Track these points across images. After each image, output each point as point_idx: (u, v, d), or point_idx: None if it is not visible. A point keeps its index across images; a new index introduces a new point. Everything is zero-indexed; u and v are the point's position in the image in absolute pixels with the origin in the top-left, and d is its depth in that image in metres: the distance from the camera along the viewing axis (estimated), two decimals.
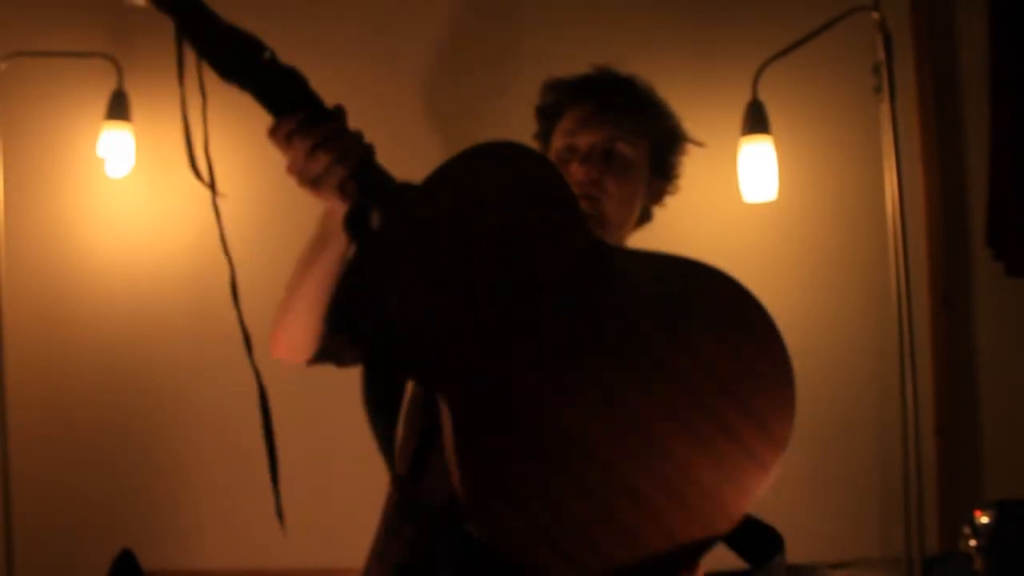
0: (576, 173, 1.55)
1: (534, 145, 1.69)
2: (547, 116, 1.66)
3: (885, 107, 2.27)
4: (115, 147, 2.50)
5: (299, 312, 1.41)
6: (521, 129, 1.68)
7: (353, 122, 1.25)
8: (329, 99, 1.25)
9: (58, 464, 2.60)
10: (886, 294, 2.33)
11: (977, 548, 1.96)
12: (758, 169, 2.43)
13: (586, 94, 1.61)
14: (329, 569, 2.52)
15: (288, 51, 1.23)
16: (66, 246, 2.64)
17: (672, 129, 1.67)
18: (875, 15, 2.27)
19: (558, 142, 1.62)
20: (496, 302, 1.22)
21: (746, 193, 2.47)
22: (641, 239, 2.69)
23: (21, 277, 2.59)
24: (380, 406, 1.25)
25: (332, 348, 1.48)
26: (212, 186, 1.25)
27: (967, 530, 1.99)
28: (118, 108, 2.51)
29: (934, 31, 2.63)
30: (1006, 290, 2.61)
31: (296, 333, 1.44)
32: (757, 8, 2.63)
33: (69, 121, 2.63)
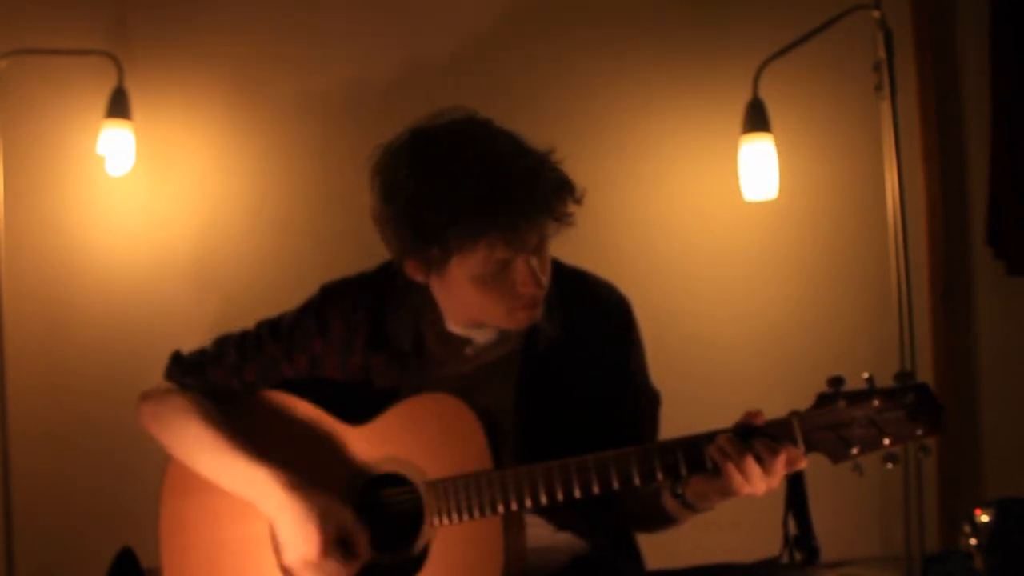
0: (528, 281, 1.46)
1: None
2: (468, 234, 1.43)
3: (886, 105, 2.26)
4: (115, 145, 2.50)
5: (164, 443, 1.79)
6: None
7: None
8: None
9: (58, 461, 2.59)
10: (887, 292, 2.33)
11: (977, 546, 1.96)
12: (759, 167, 2.43)
13: (520, 209, 1.43)
14: None
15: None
16: (66, 244, 2.63)
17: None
18: (876, 13, 2.27)
19: (490, 262, 1.45)
20: None
21: (747, 191, 2.47)
22: (642, 239, 2.69)
23: (21, 275, 2.58)
24: None
25: None
26: None
27: (967, 528, 1.99)
28: (118, 106, 2.50)
29: (935, 29, 2.63)
30: (1006, 289, 2.61)
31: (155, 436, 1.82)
32: (757, 7, 2.63)
33: (69, 119, 2.62)
